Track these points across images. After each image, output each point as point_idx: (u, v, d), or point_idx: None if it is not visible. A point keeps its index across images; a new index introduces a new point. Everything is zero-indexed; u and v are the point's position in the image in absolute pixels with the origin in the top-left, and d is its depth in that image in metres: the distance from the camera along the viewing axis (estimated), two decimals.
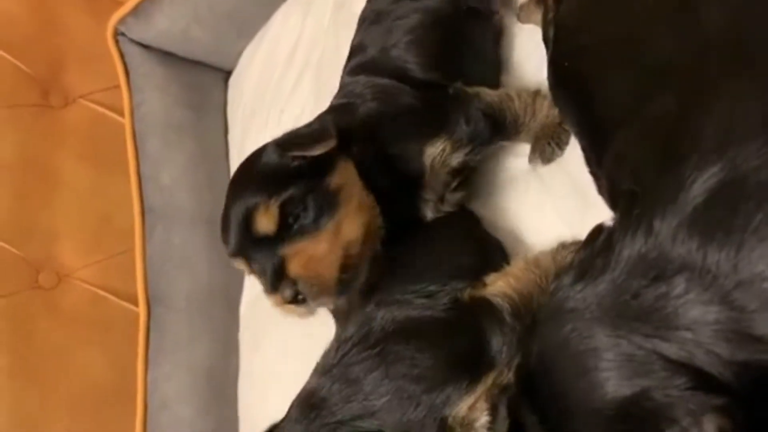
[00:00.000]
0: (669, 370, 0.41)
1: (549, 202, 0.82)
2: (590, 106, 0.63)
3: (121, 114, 1.63)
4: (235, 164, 1.47)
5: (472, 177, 0.89)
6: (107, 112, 1.66)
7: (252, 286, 1.37)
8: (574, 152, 0.78)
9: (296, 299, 0.73)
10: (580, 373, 0.47)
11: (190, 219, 1.47)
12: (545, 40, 0.81)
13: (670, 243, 0.44)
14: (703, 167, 0.44)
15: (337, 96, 0.93)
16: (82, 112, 1.65)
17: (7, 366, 1.37)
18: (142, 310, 1.43)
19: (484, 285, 0.73)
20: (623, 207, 0.50)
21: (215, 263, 1.44)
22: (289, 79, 1.35)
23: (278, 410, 1.18)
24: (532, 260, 0.74)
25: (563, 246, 0.75)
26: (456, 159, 0.83)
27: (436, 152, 0.82)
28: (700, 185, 0.44)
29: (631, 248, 0.47)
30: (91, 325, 1.47)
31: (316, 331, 1.10)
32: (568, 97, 0.68)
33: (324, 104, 1.01)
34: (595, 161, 0.62)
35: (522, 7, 0.90)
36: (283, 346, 1.22)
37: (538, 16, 0.86)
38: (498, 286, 0.72)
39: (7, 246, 1.45)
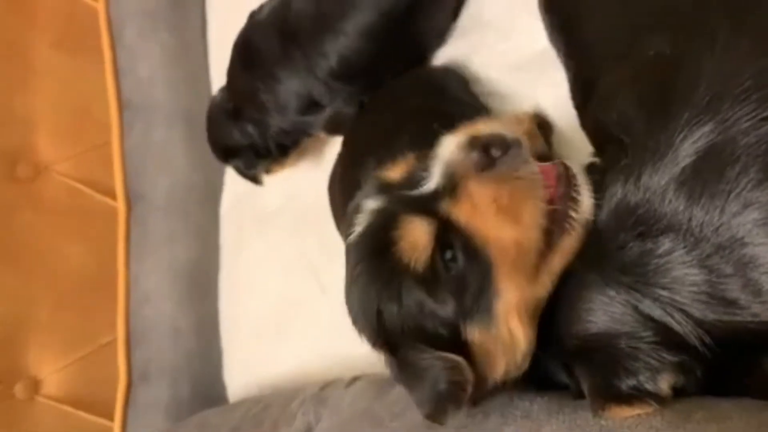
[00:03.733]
0: (639, 322, 0.44)
1: None
2: (580, 34, 0.62)
3: None
4: (216, 61, 1.44)
5: None
6: None
7: (233, 186, 1.37)
8: None
9: None
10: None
11: (169, 115, 1.45)
12: None
13: (659, 200, 0.45)
14: (694, 126, 0.44)
15: None
16: None
17: None
18: (121, 206, 1.44)
19: None
20: (611, 153, 0.50)
21: (195, 161, 1.44)
22: None
23: (259, 310, 1.23)
24: None
25: None
26: None
27: None
28: (690, 145, 0.45)
29: (620, 197, 0.48)
30: (71, 217, 1.48)
31: (302, 232, 1.13)
32: (558, 22, 0.67)
33: None
34: (580, 95, 0.61)
35: None
36: (267, 250, 1.24)
37: None
38: None
39: None
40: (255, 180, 1.13)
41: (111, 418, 1.38)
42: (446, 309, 0.55)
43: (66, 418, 1.38)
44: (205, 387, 1.35)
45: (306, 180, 1.16)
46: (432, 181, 0.58)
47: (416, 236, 0.56)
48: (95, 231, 1.49)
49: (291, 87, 1.00)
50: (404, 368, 0.58)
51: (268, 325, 1.18)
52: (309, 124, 1.05)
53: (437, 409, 0.56)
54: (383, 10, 0.93)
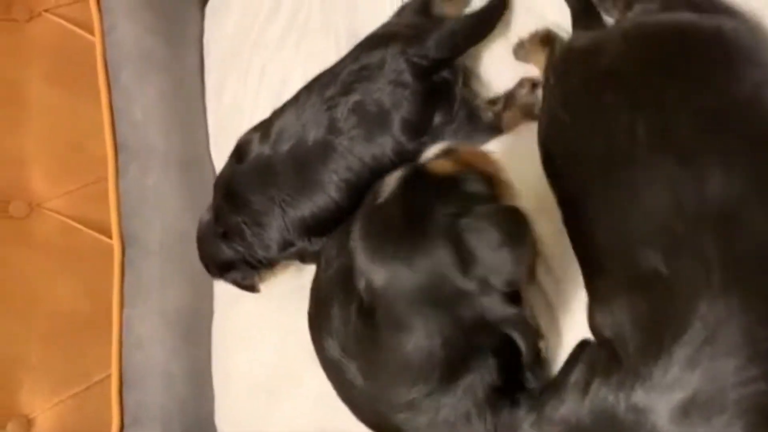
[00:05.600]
0: None
1: None
2: (576, 213, 0.65)
3: (90, 31, 1.56)
4: (212, 109, 1.45)
5: None
6: (75, 28, 1.57)
7: None
8: None
9: None
10: None
11: (164, 160, 1.46)
12: (544, 87, 0.81)
13: (647, 426, 0.49)
14: (686, 368, 0.48)
15: None
16: (48, 26, 1.57)
17: None
18: (116, 248, 1.45)
19: None
20: (604, 359, 0.54)
21: (188, 206, 1.45)
22: (273, 31, 1.30)
23: (252, 369, 1.26)
24: None
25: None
26: None
27: None
28: (681, 386, 0.49)
29: (604, 403, 0.53)
30: (64, 255, 1.49)
31: (298, 305, 1.16)
32: (556, 183, 0.70)
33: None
34: (580, 263, 0.65)
35: (522, 43, 0.88)
36: (262, 309, 1.26)
37: (538, 56, 0.85)
38: None
39: None
40: (252, 289, 1.17)
41: None
42: (481, 189, 0.72)
43: None
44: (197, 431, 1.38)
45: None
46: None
47: (440, 163, 0.72)
48: (88, 269, 1.50)
49: (272, 234, 1.07)
50: None
51: (260, 387, 1.22)
52: (290, 255, 1.13)
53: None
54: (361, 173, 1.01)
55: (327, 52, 1.19)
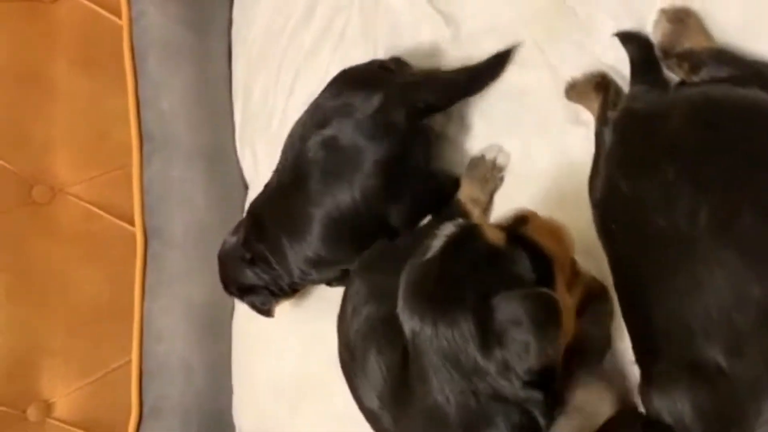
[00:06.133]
0: None
1: None
2: (630, 284, 0.65)
3: (117, 14, 1.53)
4: (238, 103, 1.43)
5: None
6: (101, 10, 1.55)
7: None
8: None
9: None
10: None
11: (189, 152, 1.45)
12: (598, 138, 0.80)
13: None
14: None
15: None
16: (74, 7, 1.54)
17: (4, 282, 1.40)
18: (139, 240, 1.45)
19: None
20: None
21: (212, 201, 1.45)
22: (308, 34, 1.28)
23: (273, 370, 1.27)
24: None
25: None
26: None
27: None
28: None
29: None
30: (86, 242, 1.49)
31: (324, 314, 1.16)
32: (610, 247, 0.70)
33: None
34: (630, 332, 0.65)
35: (574, 85, 0.87)
36: (285, 312, 1.26)
37: (590, 102, 0.83)
38: None
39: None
40: (267, 314, 1.18)
41: None
42: (525, 271, 0.68)
43: None
44: (215, 425, 1.41)
45: None
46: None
47: (496, 232, 0.71)
48: (109, 256, 1.51)
49: (292, 262, 1.09)
50: None
51: (284, 391, 1.23)
52: (314, 281, 1.16)
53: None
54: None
55: (363, 60, 1.16)
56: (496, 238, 0.70)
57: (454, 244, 0.70)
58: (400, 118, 0.97)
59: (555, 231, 0.75)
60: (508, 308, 0.65)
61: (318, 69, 1.25)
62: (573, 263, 0.77)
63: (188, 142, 1.47)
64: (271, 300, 1.15)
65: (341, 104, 0.99)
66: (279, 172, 1.10)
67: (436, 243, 0.71)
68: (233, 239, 1.15)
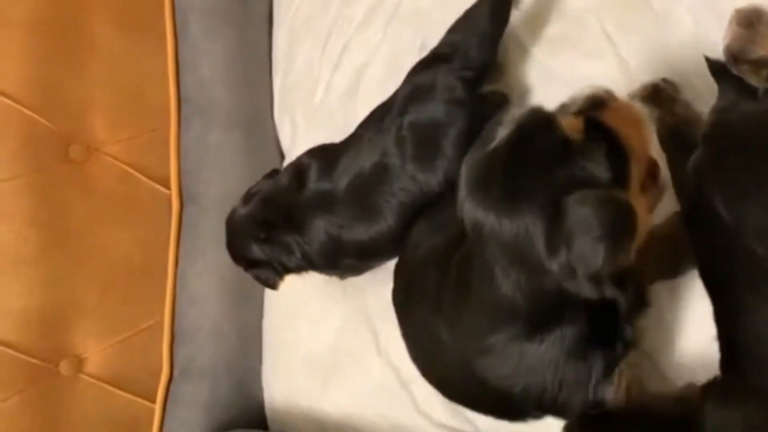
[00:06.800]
0: None
1: None
2: (719, 291, 0.65)
3: None
4: (279, 71, 1.42)
5: None
6: None
7: None
8: None
9: None
10: None
11: (227, 118, 1.45)
12: (664, 145, 0.79)
13: None
14: None
15: None
16: None
17: (41, 238, 1.41)
18: (175, 204, 1.46)
19: None
20: None
21: (249, 168, 1.45)
22: (357, 8, 1.27)
23: (306, 342, 1.29)
24: None
25: None
26: None
27: None
28: None
29: None
30: (121, 203, 1.50)
31: (362, 287, 1.18)
32: (701, 256, 0.70)
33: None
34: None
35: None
36: (320, 283, 1.28)
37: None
38: None
39: (38, 117, 1.41)
40: (272, 287, 1.20)
41: (148, 398, 1.47)
42: (600, 170, 0.64)
43: (106, 395, 1.47)
44: (243, 389, 1.43)
45: None
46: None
47: (572, 122, 0.66)
48: (143, 217, 1.52)
49: (319, 250, 1.12)
50: None
51: (317, 361, 1.26)
52: (333, 273, 1.19)
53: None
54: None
55: (414, 39, 1.16)
56: (573, 129, 0.65)
57: (525, 133, 0.66)
58: (462, 93, 0.99)
59: (635, 119, 0.69)
60: (579, 211, 0.61)
61: (367, 43, 1.24)
62: (652, 162, 0.72)
63: (226, 108, 1.46)
64: (275, 276, 1.17)
65: (411, 90, 1.03)
66: (330, 178, 1.11)
67: (505, 131, 0.67)
68: (243, 210, 1.17)
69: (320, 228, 1.10)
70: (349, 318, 1.21)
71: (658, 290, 0.81)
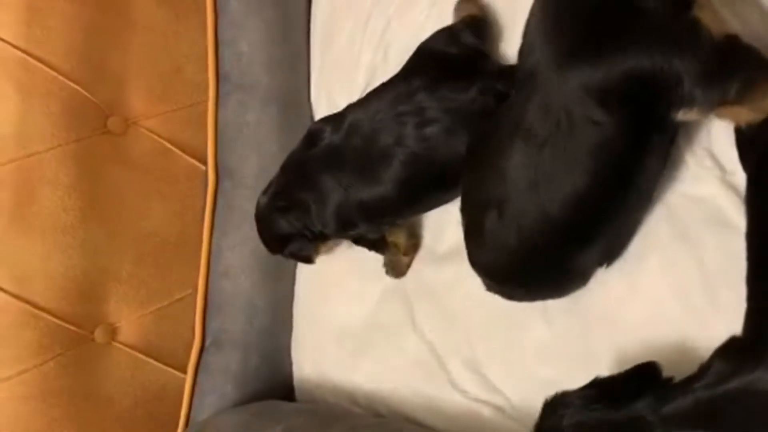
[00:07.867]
0: None
1: None
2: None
3: None
4: (317, 50, 1.44)
5: None
6: None
7: None
8: None
9: None
10: None
11: (265, 96, 1.47)
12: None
13: None
14: None
15: None
16: None
17: (79, 207, 1.43)
18: (210, 178, 1.49)
19: None
20: None
21: (285, 146, 1.46)
22: None
23: (338, 315, 1.31)
24: None
25: None
26: None
27: None
28: None
29: None
30: (157, 175, 1.52)
31: None
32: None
33: None
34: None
35: None
36: (357, 257, 1.30)
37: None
38: None
39: (78, 88, 1.43)
40: (309, 260, 1.25)
41: (178, 368, 1.50)
42: None
43: (138, 363, 1.49)
44: (273, 361, 1.46)
45: None
46: None
47: None
48: (179, 191, 1.54)
49: (332, 211, 1.17)
50: None
51: (350, 335, 1.28)
52: (348, 236, 1.24)
53: None
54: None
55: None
56: None
57: None
58: (492, 103, 1.04)
59: None
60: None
61: (412, 23, 1.25)
62: None
63: (265, 85, 1.48)
64: (309, 246, 1.22)
65: (438, 97, 1.07)
66: (340, 134, 1.17)
67: None
68: (265, 198, 1.21)
69: (330, 186, 1.15)
70: (385, 295, 1.23)
71: None
